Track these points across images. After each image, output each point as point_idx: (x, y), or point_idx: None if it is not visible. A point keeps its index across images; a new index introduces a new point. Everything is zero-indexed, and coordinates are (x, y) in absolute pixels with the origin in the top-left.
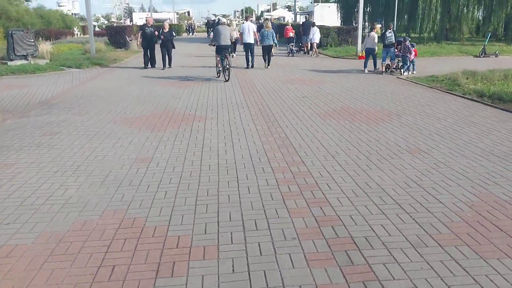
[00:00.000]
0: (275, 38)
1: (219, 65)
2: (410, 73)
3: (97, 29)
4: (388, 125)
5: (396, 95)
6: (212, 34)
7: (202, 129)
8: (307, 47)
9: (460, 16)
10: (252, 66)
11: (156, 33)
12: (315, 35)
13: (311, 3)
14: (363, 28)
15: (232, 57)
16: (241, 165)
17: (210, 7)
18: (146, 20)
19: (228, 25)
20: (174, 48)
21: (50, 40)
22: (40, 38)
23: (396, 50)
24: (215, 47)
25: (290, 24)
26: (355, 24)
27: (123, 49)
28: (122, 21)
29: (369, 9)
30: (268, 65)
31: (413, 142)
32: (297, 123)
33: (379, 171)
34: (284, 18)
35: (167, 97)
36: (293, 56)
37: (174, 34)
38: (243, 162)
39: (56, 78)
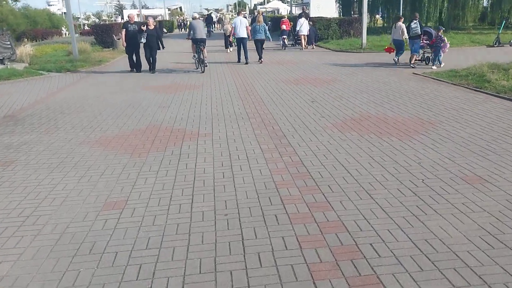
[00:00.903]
0: (267, 32)
1: (195, 56)
2: (437, 66)
3: (86, 28)
4: (424, 138)
5: (420, 96)
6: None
7: (194, 152)
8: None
9: (465, 3)
10: (247, 63)
11: (143, 27)
12: (303, 27)
13: None
14: (354, 21)
15: (229, 51)
16: (246, 210)
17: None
18: (128, 17)
19: (208, 19)
20: (163, 47)
21: (36, 41)
22: (26, 39)
23: (422, 41)
24: (191, 40)
25: (286, 17)
26: (354, 15)
27: (111, 48)
28: (113, 18)
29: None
30: (260, 59)
31: (466, 165)
32: (310, 139)
33: (438, 217)
34: (278, 10)
35: (153, 107)
36: (284, 49)
37: (165, 31)
38: (248, 206)
39: (31, 85)
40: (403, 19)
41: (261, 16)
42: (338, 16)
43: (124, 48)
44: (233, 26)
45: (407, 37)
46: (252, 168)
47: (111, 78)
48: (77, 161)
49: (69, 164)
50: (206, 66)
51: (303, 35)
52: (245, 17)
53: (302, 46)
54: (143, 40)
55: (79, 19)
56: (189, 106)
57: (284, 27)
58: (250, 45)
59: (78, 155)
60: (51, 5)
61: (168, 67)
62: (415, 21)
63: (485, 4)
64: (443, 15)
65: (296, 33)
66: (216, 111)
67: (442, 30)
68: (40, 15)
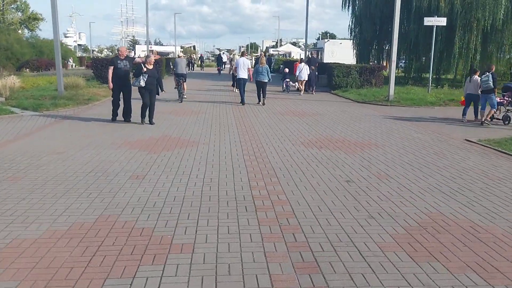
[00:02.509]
0: (269, 74)
1: (178, 89)
2: None
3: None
4: None
5: (501, 182)
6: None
7: None
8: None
9: (492, 56)
10: (243, 103)
11: (144, 67)
12: (302, 72)
13: (317, 39)
14: (377, 69)
15: (235, 91)
16: None
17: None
18: (118, 50)
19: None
20: (162, 91)
21: (39, 71)
22: (27, 69)
23: (501, 98)
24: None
25: (300, 60)
26: (372, 62)
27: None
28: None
29: (387, 46)
30: (263, 101)
31: None
32: (367, 280)
33: None
34: (290, 53)
35: (122, 177)
36: (288, 92)
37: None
38: None
39: None
40: (479, 72)
41: (264, 58)
42: (355, 63)
43: (111, 91)
44: (235, 66)
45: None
46: None
47: (89, 126)
48: None
49: None
50: (185, 97)
51: (302, 80)
52: (248, 59)
53: (301, 91)
54: (142, 84)
55: (93, 52)
56: (172, 178)
57: (287, 70)
58: (252, 86)
59: None
60: (68, 36)
61: (163, 111)
62: (486, 74)
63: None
64: (475, 66)
65: (296, 78)
66: (208, 190)
67: None
68: (47, 45)
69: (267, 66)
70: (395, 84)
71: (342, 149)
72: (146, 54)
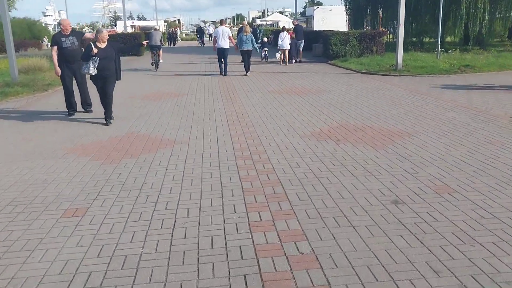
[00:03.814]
0: (254, 43)
1: (152, 58)
2: None
3: None
4: None
5: None
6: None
7: None
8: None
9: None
10: (225, 74)
11: (94, 50)
12: (284, 41)
13: (304, 7)
14: (377, 35)
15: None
16: None
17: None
18: (60, 25)
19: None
20: (118, 79)
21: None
22: None
23: None
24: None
25: (288, 29)
26: (365, 28)
27: None
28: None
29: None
30: (247, 72)
31: None
32: None
33: None
34: (278, 22)
35: (51, 216)
36: (266, 61)
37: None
38: None
39: None
40: None
41: (248, 26)
42: (347, 29)
43: (60, 78)
44: (214, 36)
45: None
46: None
47: (37, 124)
48: None
49: None
50: (161, 61)
51: (284, 49)
52: (229, 27)
53: (281, 61)
54: (92, 71)
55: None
56: (128, 211)
57: (265, 39)
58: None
59: None
60: (47, 15)
61: (136, 95)
62: None
63: None
64: (484, 29)
65: (278, 47)
66: (182, 238)
67: None
68: (18, 25)
69: (251, 34)
70: (393, 50)
71: (366, 141)
72: (97, 29)
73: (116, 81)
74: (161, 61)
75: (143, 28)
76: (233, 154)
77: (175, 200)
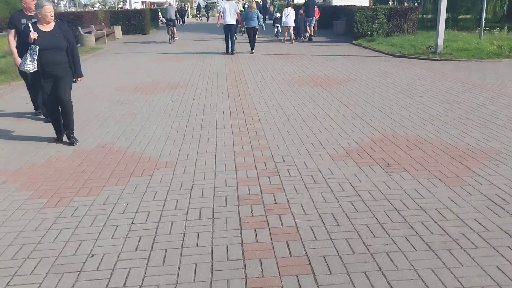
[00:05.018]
0: (261, 20)
1: (169, 32)
2: None
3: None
4: None
5: None
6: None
7: None
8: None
9: None
10: (232, 52)
11: (33, 34)
12: (288, 18)
13: None
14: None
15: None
16: None
17: None
18: (23, 2)
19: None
20: (78, 77)
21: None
22: None
23: None
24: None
25: (287, 4)
26: (391, 2)
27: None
28: (120, 5)
29: None
30: (253, 49)
31: None
32: None
33: None
34: None
35: None
36: (278, 37)
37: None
38: None
39: None
40: None
41: (254, 2)
42: (369, 4)
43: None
44: (220, 11)
45: None
46: None
47: None
48: None
49: None
50: (177, 38)
51: (288, 26)
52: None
53: (286, 39)
54: (28, 66)
55: (86, 6)
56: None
57: (278, 15)
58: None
59: None
60: None
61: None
62: None
63: None
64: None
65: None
66: None
67: None
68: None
69: (258, 11)
70: (425, 29)
71: (429, 168)
72: (37, 2)
73: (74, 81)
74: (176, 38)
75: (155, 3)
76: (236, 191)
77: None
